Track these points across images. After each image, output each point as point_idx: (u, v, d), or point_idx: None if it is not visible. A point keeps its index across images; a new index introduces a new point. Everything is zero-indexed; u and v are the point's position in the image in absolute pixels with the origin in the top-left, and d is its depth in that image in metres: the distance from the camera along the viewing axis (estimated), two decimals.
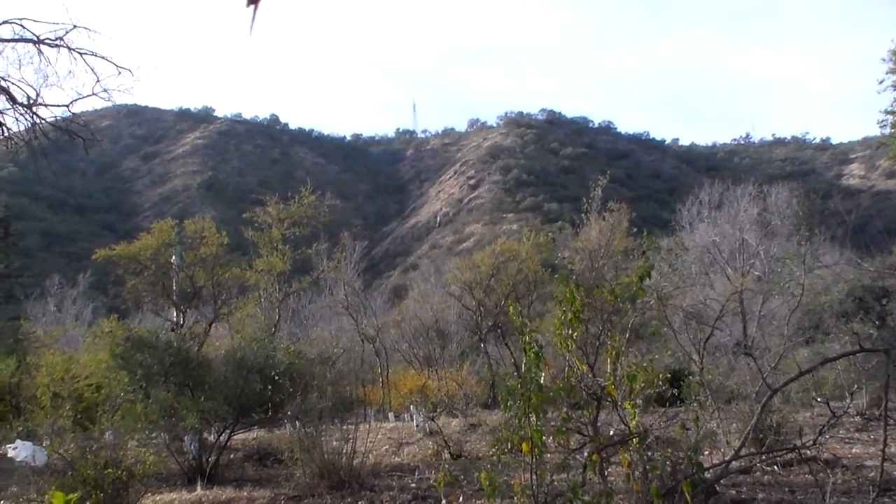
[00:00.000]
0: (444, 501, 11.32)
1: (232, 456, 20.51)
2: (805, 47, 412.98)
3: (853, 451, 16.92)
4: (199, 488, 16.46)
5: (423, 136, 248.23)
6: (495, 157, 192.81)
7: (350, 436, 15.95)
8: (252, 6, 3.05)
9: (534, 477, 8.12)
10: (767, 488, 13.07)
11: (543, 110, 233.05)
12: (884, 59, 33.35)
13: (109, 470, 12.80)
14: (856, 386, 21.35)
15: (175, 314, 31.53)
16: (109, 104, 19.08)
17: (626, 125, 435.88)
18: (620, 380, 9.21)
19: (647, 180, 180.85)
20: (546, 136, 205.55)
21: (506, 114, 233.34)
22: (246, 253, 36.67)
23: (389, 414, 32.30)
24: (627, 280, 9.93)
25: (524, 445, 8.05)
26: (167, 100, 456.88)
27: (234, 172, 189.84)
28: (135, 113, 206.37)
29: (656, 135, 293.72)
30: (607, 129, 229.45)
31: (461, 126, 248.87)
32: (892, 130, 34.77)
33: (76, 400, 26.37)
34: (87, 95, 16.50)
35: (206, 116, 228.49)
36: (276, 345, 21.41)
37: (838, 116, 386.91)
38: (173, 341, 20.78)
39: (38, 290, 57.76)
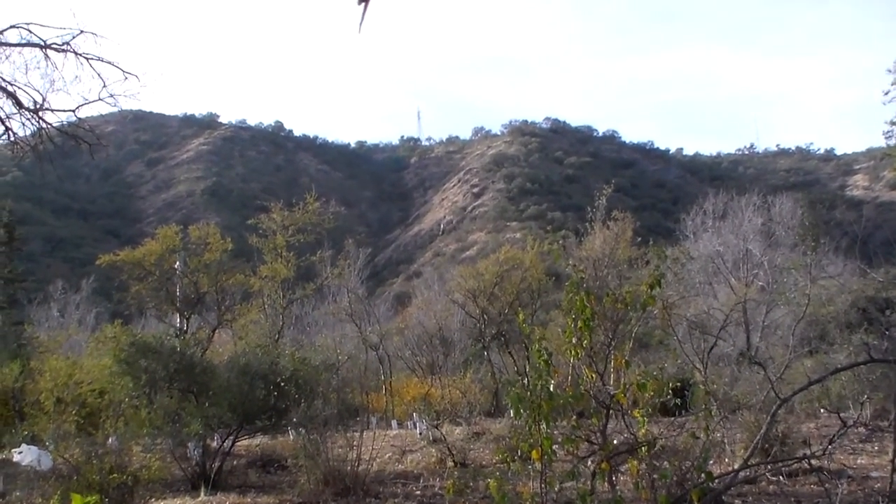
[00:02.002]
0: None
1: (235, 462, 20.43)
2: (810, 58, 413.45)
3: (858, 461, 16.85)
4: (202, 494, 16.42)
5: (427, 143, 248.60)
6: (499, 166, 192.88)
7: (354, 443, 15.92)
8: (363, 4, 3.06)
9: (543, 485, 8.10)
10: (773, 498, 13.02)
11: (548, 119, 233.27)
12: (889, 71, 33.45)
13: (115, 475, 12.79)
14: (866, 396, 21.28)
15: (179, 320, 31.56)
16: (115, 109, 19.07)
17: (631, 134, 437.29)
18: (628, 388, 9.19)
19: (651, 190, 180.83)
20: (550, 145, 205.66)
21: (510, 122, 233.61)
22: (250, 259, 36.70)
23: (393, 421, 32.23)
24: (637, 289, 9.90)
25: (534, 453, 8.03)
26: (172, 105, 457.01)
27: (238, 178, 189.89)
28: (140, 118, 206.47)
29: (661, 144, 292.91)
30: (612, 138, 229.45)
31: (465, 134, 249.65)
32: None
33: (79, 405, 26.32)
34: (94, 100, 16.52)
35: (210, 122, 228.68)
36: (280, 351, 21.40)
37: (842, 127, 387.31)
38: (177, 347, 20.78)
39: (41, 295, 57.72)
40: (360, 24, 3.01)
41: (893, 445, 9.16)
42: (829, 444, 9.34)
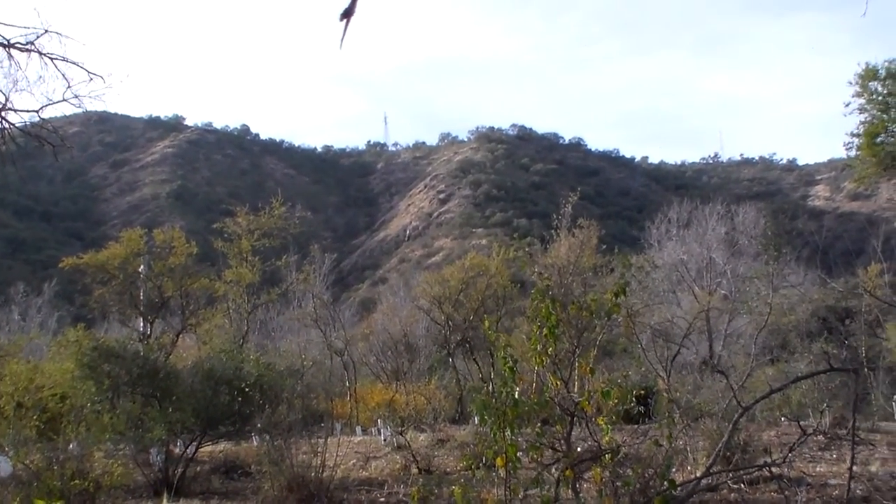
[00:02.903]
0: None
1: (199, 468, 20.33)
2: (774, 69, 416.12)
3: (817, 469, 17.05)
4: (165, 500, 16.31)
5: (393, 149, 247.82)
6: (466, 172, 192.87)
7: (319, 449, 15.87)
8: (344, 20, 3.08)
9: (507, 492, 8.12)
10: None
11: (514, 126, 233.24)
12: (850, 83, 33.71)
13: (76, 481, 12.69)
14: (825, 404, 21.51)
15: (142, 324, 31.34)
16: (80, 110, 18.88)
17: (597, 142, 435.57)
18: (593, 396, 9.23)
19: (616, 198, 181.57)
20: (517, 152, 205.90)
21: (477, 128, 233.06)
22: (215, 264, 36.57)
23: (357, 428, 32.19)
24: (601, 297, 9.95)
25: (498, 460, 8.05)
26: (137, 107, 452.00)
27: (203, 182, 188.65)
28: (104, 120, 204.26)
29: (626, 152, 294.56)
30: (578, 146, 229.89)
31: (432, 140, 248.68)
32: (858, 153, 35.13)
33: (40, 410, 26.06)
34: (58, 101, 16.31)
35: (176, 125, 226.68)
36: (245, 356, 21.32)
37: (805, 138, 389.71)
38: (141, 352, 20.65)
39: (2, 298, 57.12)
40: (342, 39, 3.02)
41: (851, 453, 9.24)
42: (789, 452, 9.42)
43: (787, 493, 11.05)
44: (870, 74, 33.00)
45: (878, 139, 33.58)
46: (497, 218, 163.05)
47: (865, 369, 24.09)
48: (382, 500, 15.53)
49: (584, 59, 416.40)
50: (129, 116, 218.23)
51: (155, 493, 17.33)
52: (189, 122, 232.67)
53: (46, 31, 15.53)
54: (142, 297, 31.50)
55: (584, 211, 44.99)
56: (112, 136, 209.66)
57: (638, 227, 66.02)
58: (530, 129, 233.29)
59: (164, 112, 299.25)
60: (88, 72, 16.17)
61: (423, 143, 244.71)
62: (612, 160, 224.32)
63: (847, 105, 34.17)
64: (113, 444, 16.24)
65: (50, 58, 15.66)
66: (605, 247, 34.42)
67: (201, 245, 34.12)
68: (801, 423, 12.87)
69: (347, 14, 3.03)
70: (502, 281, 39.36)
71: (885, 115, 33.19)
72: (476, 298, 39.09)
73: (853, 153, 36.16)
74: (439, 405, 32.09)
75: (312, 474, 15.27)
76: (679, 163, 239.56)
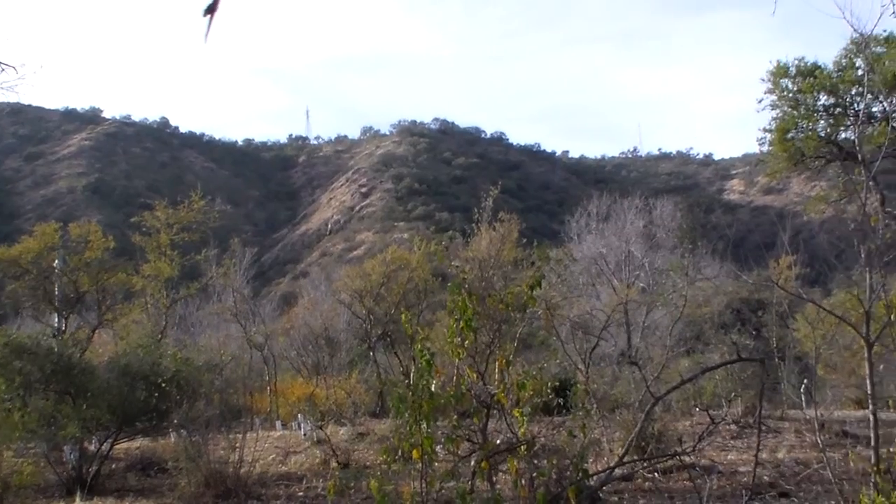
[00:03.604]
0: None
1: (114, 466, 20.09)
2: (690, 66, 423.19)
3: (728, 457, 17.48)
4: (78, 499, 16.09)
5: (315, 142, 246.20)
6: (388, 166, 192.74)
7: (237, 444, 15.83)
8: (208, 16, 3.10)
9: (423, 484, 8.20)
10: (648, 494, 13.42)
11: (436, 119, 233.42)
12: (763, 80, 34.46)
13: None
14: (733, 394, 22.02)
15: (57, 320, 30.84)
16: None
17: (518, 137, 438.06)
18: (510, 388, 9.36)
19: (537, 191, 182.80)
20: (438, 146, 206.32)
21: (399, 122, 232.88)
22: (133, 258, 36.03)
23: (277, 422, 32.02)
24: (518, 290, 10.09)
25: (415, 453, 8.12)
26: (53, 99, 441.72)
27: (121, 175, 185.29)
28: (17, 111, 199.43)
29: (547, 147, 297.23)
30: (499, 140, 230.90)
31: (354, 133, 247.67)
32: (770, 148, 35.95)
33: None
34: None
35: (93, 117, 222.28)
36: (163, 351, 21.12)
37: (721, 133, 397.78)
38: (55, 348, 20.33)
39: None
40: (206, 34, 3.06)
41: (757, 441, 9.53)
42: (699, 441, 9.68)
43: (697, 480, 11.32)
44: (781, 72, 33.76)
45: (790, 135, 34.39)
46: (419, 211, 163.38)
47: (776, 359, 24.62)
48: (301, 494, 15.53)
49: (506, 54, 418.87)
50: (44, 108, 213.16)
51: (68, 492, 17.08)
52: (107, 114, 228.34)
53: None
54: (56, 292, 30.99)
55: (505, 204, 45.23)
56: (26, 128, 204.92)
57: (558, 221, 66.51)
58: (452, 122, 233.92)
59: (81, 104, 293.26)
60: (0, 63, 15.90)
61: (345, 136, 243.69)
62: (534, 154, 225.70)
63: (760, 101, 34.96)
64: (23, 442, 15.98)
65: None
66: (525, 240, 34.63)
67: (119, 239, 33.71)
68: (714, 412, 13.19)
69: (211, 10, 3.07)
70: (423, 274, 39.42)
71: (795, 112, 34.00)
72: (397, 292, 39.11)
73: (766, 148, 36.98)
74: (360, 399, 32.05)
75: (230, 470, 15.23)
76: (599, 157, 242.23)
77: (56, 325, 30.78)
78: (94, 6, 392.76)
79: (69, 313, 31.01)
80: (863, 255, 9.29)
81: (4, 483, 12.82)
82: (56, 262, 30.66)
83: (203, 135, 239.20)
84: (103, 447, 18.71)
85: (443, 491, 8.52)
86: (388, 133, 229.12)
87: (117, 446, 19.98)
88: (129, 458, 21.52)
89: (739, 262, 25.01)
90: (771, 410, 24.71)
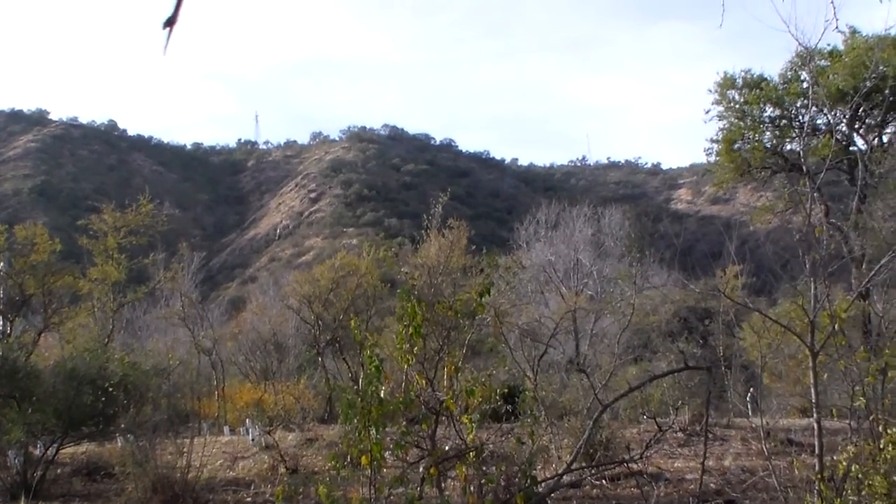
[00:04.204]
0: None
1: (60, 470, 19.88)
2: (638, 76, 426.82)
3: (675, 465, 17.67)
4: None
5: (265, 147, 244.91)
6: (337, 171, 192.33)
7: (184, 449, 15.74)
8: (167, 28, 3.14)
9: (372, 490, 8.24)
10: (596, 501, 13.55)
11: (386, 126, 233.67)
12: (710, 91, 35.03)
13: None
14: (680, 402, 22.27)
15: (2, 323, 30.45)
16: None
17: (467, 144, 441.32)
18: (458, 394, 9.43)
19: (486, 199, 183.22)
20: (388, 152, 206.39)
21: (348, 128, 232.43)
22: (79, 261, 35.70)
23: (225, 427, 31.85)
24: (467, 296, 10.17)
25: (363, 459, 8.15)
26: None
27: (68, 178, 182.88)
28: None
29: (497, 154, 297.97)
30: (448, 147, 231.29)
31: (304, 139, 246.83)
32: (717, 158, 36.52)
33: None
34: None
35: (40, 119, 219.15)
36: (110, 355, 20.95)
37: (668, 143, 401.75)
38: None
39: None
40: (165, 47, 3.11)
41: (704, 449, 9.68)
42: (646, 448, 9.80)
43: (644, 488, 11.46)
44: (727, 83, 34.33)
45: (736, 145, 34.98)
46: (368, 217, 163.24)
47: (722, 368, 24.96)
48: (249, 500, 15.48)
49: (456, 61, 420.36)
50: None
51: (12, 497, 16.87)
52: (53, 116, 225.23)
53: None
54: (1, 295, 30.60)
55: (454, 211, 45.30)
56: None
57: (507, 229, 66.78)
58: (402, 129, 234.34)
59: (28, 105, 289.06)
60: None
61: (295, 141, 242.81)
62: (483, 161, 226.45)
63: (707, 112, 35.55)
64: None
65: None
66: (474, 247, 34.74)
67: (65, 242, 33.29)
68: (661, 420, 13.36)
69: (170, 23, 3.12)
70: (373, 280, 39.39)
71: (741, 123, 34.61)
72: (346, 298, 39.02)
73: (713, 158, 37.59)
74: (308, 405, 31.98)
75: (178, 475, 15.14)
76: (548, 165, 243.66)
77: (1, 328, 30.38)
78: (41, 6, 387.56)
79: (14, 316, 30.60)
80: (807, 266, 9.46)
81: None
82: (1, 264, 30.26)
83: (151, 138, 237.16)
84: (49, 452, 18.52)
85: (391, 497, 8.56)
86: (337, 139, 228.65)
87: (63, 451, 19.77)
88: (74, 463, 21.29)
89: (687, 271, 25.37)
90: (717, 418, 25.02)
